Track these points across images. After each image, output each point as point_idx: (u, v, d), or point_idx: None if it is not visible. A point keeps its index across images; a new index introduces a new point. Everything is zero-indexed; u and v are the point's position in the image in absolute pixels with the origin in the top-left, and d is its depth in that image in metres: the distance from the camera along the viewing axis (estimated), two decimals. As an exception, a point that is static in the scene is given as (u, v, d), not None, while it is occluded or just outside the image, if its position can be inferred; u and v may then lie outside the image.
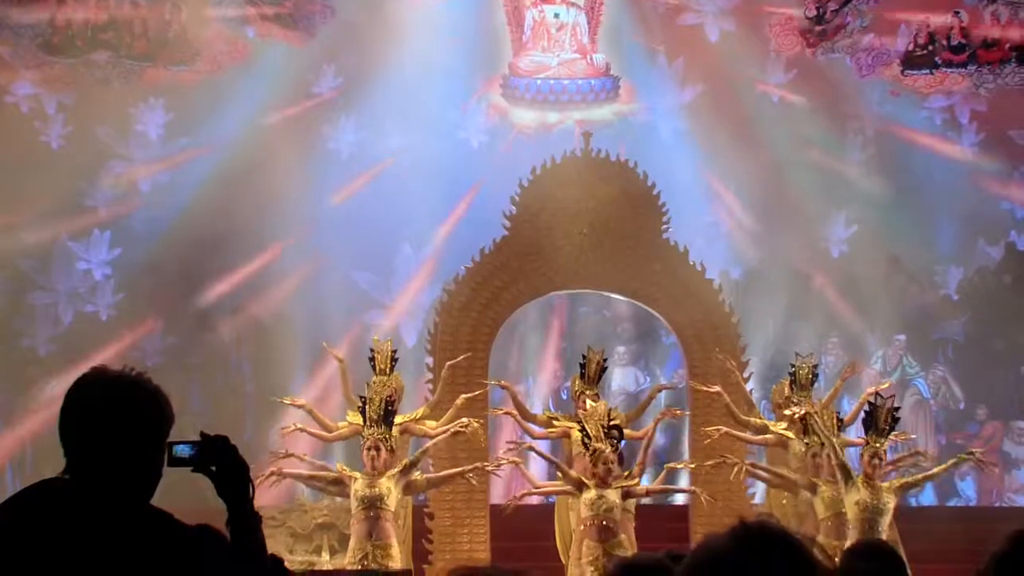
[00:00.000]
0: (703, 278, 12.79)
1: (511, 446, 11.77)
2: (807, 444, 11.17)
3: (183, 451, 3.30)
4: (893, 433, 10.92)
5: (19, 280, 17.03)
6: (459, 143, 17.76)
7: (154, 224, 17.05)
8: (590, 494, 10.41)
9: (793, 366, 12.21)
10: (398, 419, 11.07)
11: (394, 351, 12.05)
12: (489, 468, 11.34)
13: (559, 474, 11.04)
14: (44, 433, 14.91)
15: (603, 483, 10.42)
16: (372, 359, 11.94)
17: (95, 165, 17.26)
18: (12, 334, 16.80)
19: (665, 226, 12.79)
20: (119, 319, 17.00)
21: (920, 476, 11.00)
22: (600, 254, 12.75)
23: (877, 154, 17.87)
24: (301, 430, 11.29)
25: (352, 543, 10.40)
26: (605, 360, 12.36)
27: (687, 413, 12.58)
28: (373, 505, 10.29)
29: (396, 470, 10.43)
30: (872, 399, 10.85)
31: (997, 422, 17.30)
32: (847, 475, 10.38)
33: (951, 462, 11.21)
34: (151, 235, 16.98)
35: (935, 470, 11.04)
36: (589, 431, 10.54)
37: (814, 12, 17.96)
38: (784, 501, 12.01)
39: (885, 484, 10.46)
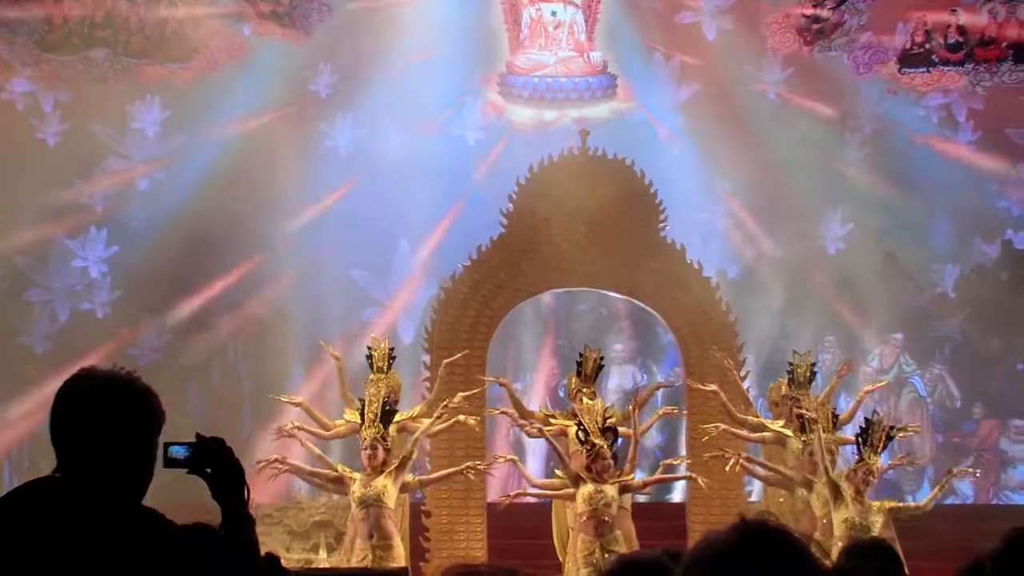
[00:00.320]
0: (700, 276, 12.81)
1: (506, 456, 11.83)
2: (804, 442, 11.20)
3: (178, 452, 3.30)
4: (900, 433, 11.02)
5: (15, 278, 17.02)
6: (456, 141, 17.73)
7: (151, 222, 17.03)
8: (587, 488, 10.41)
9: (791, 364, 12.22)
10: (396, 417, 11.07)
11: (391, 349, 12.07)
12: (482, 467, 11.35)
13: (557, 471, 11.04)
14: (41, 431, 14.79)
15: (600, 478, 10.43)
16: (369, 357, 11.94)
17: (91, 163, 17.23)
18: (9, 332, 16.78)
19: (662, 224, 12.80)
20: (116, 317, 16.99)
21: (912, 506, 11.13)
22: (597, 252, 12.75)
23: (874, 152, 17.84)
24: (299, 428, 11.28)
25: (357, 545, 10.39)
26: (602, 358, 12.36)
27: (684, 412, 12.60)
28: (371, 504, 10.29)
29: (392, 467, 10.44)
30: (869, 416, 10.88)
31: (994, 420, 17.29)
32: (836, 494, 10.43)
33: (936, 491, 11.29)
34: (148, 233, 16.95)
35: (924, 502, 11.09)
36: (587, 426, 10.54)
37: (811, 10, 17.95)
38: (781, 499, 12.03)
39: (875, 504, 10.53)
